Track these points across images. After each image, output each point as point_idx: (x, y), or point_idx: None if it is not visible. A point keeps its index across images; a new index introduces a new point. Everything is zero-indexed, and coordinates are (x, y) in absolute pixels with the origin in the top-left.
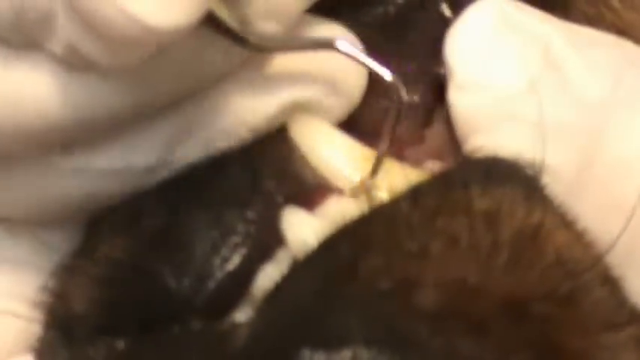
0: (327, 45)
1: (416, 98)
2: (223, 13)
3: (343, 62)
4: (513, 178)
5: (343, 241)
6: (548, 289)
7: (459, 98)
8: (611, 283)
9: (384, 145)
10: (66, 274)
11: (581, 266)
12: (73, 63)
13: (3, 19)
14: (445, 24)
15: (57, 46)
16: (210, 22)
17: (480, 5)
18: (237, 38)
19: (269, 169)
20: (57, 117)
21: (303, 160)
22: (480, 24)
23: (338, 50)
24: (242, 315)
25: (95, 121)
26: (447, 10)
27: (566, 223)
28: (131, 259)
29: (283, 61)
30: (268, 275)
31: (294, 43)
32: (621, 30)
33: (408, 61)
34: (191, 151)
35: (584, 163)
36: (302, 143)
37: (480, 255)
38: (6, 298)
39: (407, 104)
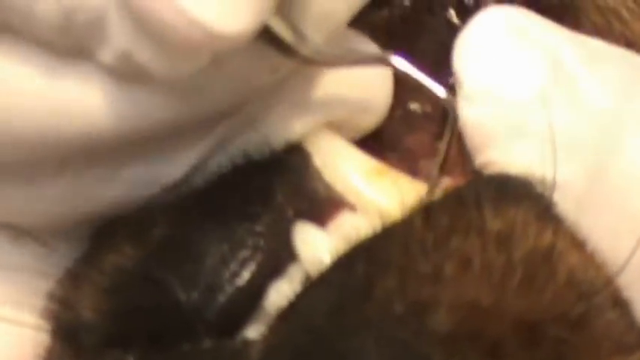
0: (381, 60)
1: (427, 108)
2: (277, 25)
3: (374, 79)
4: (525, 197)
5: (358, 260)
6: (560, 311)
7: (468, 110)
8: (621, 306)
9: (437, 165)
10: (73, 281)
11: (592, 288)
12: (124, 73)
13: (51, 22)
14: (453, 31)
15: (108, 54)
16: (264, 33)
17: (488, 13)
18: (289, 50)
19: (281, 181)
20: (103, 129)
21: (316, 173)
22: (489, 33)
23: (392, 66)
24: (253, 331)
25: (140, 134)
26: (454, 17)
27: (578, 243)
28: (140, 269)
29: (320, 78)
30: (280, 291)
31: (348, 57)
32: (630, 41)
33: (418, 68)
34: (222, 164)
35: (595, 178)
36: (316, 157)
37: (493, 277)
38: (11, 306)
39: (422, 115)
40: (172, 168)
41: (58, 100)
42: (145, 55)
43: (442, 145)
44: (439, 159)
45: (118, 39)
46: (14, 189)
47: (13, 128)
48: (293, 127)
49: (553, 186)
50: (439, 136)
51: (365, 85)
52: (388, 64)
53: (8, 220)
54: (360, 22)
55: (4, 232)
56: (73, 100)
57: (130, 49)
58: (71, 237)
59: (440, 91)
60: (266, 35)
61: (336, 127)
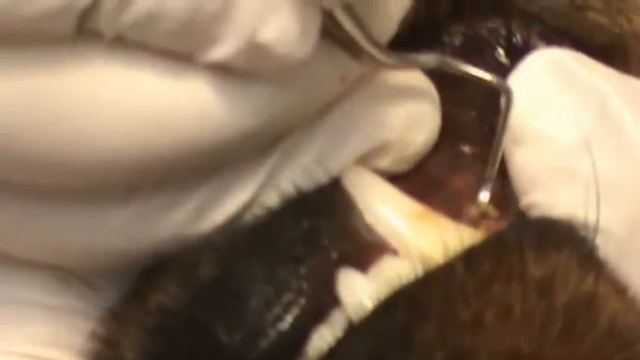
0: (442, 62)
1: (476, 150)
2: (351, 28)
3: (418, 109)
4: (567, 242)
5: (398, 307)
6: (603, 358)
7: (516, 150)
8: None
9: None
10: (116, 321)
11: (634, 335)
12: (247, 61)
13: (176, 20)
14: (502, 70)
15: (236, 40)
16: (339, 37)
17: (536, 56)
18: (362, 52)
19: (326, 223)
20: (207, 134)
21: (359, 216)
22: (537, 76)
23: (452, 66)
24: None
25: (236, 140)
26: (503, 56)
27: (619, 289)
28: (185, 311)
29: (363, 106)
30: (322, 337)
31: (413, 60)
32: None
33: (467, 110)
34: (285, 183)
35: (638, 224)
36: (359, 199)
37: (534, 324)
38: (52, 347)
39: (471, 156)
40: (231, 197)
41: (170, 108)
42: (271, 31)
43: (497, 139)
44: (493, 155)
45: (246, 21)
46: (76, 222)
47: (109, 145)
48: (339, 157)
49: (595, 231)
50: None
51: (408, 112)
52: (448, 65)
53: (61, 263)
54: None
55: (50, 273)
56: (183, 106)
57: (256, 29)
58: (114, 277)
59: (496, 78)
60: (342, 39)
61: (380, 157)
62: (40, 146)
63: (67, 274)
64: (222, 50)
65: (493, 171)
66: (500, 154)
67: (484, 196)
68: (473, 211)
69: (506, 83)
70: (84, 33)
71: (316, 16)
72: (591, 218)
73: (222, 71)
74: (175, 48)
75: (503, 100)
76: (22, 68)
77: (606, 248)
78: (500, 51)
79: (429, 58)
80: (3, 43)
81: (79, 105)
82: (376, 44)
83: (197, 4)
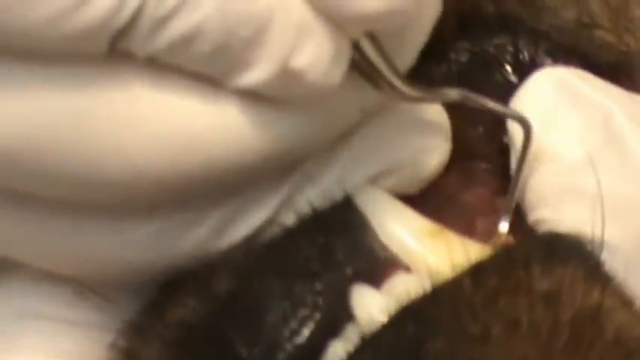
0: (461, 95)
1: (488, 164)
2: (378, 61)
3: (429, 129)
4: (573, 256)
5: (409, 322)
6: None
7: (524, 168)
8: None
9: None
10: (137, 332)
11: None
12: (277, 88)
13: (211, 43)
14: (509, 88)
15: (268, 66)
16: (366, 70)
17: (543, 74)
18: (386, 85)
19: (341, 241)
20: (231, 157)
21: (373, 233)
22: (543, 93)
23: (469, 99)
24: None
25: (262, 162)
26: (510, 74)
27: (625, 302)
28: (204, 324)
29: (377, 129)
30: (337, 351)
31: (432, 93)
32: None
33: (475, 126)
34: (302, 205)
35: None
36: (372, 217)
37: (541, 337)
38: (72, 358)
39: (483, 171)
40: (252, 215)
41: (197, 130)
42: (303, 58)
43: (516, 177)
44: (512, 191)
45: (279, 47)
46: (98, 236)
47: (135, 164)
48: (355, 179)
49: (601, 246)
50: (498, 193)
51: (420, 135)
52: (471, 100)
53: (81, 275)
54: (419, 76)
55: (68, 287)
56: (210, 129)
57: (289, 56)
58: (132, 290)
59: (519, 114)
60: (366, 71)
61: (394, 179)
62: (68, 162)
63: (84, 287)
64: (254, 76)
65: (512, 202)
66: (517, 186)
67: (504, 227)
68: (496, 241)
69: (526, 117)
70: (117, 53)
71: (346, 45)
72: (597, 234)
73: (251, 96)
74: (207, 72)
75: (519, 131)
76: (54, 86)
77: (612, 263)
78: (508, 68)
79: (453, 93)
80: (38, 61)
81: (108, 123)
82: (399, 76)
83: (231, 29)
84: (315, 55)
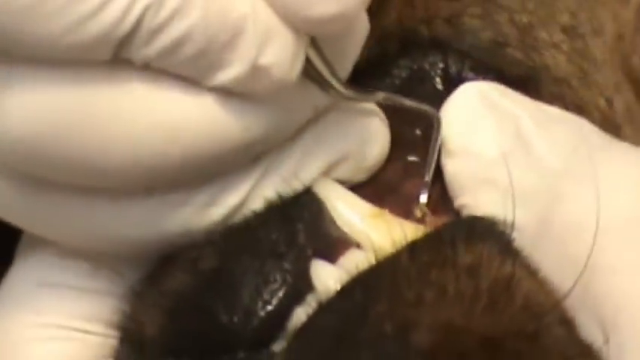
0: (391, 98)
1: (423, 159)
2: (323, 69)
3: (373, 128)
4: (489, 235)
5: (357, 290)
6: (517, 329)
7: (449, 163)
8: (566, 323)
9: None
10: (138, 299)
11: (543, 309)
12: (246, 84)
13: (193, 49)
14: (440, 98)
15: (241, 64)
16: (315, 77)
17: (467, 87)
18: (332, 89)
19: (301, 225)
20: (209, 146)
21: (328, 218)
22: (466, 103)
23: (398, 101)
24: (278, 346)
25: (231, 152)
26: (440, 85)
27: (532, 272)
28: (193, 295)
29: (329, 127)
30: (300, 316)
31: (369, 95)
32: (579, 106)
33: (414, 128)
34: (269, 190)
35: (544, 222)
36: (327, 204)
37: (464, 302)
38: (81, 320)
39: (419, 164)
40: (227, 198)
41: (182, 124)
42: (269, 57)
43: (430, 166)
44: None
45: (250, 48)
46: (106, 215)
47: (133, 152)
48: (310, 169)
49: (512, 226)
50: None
51: (365, 131)
52: (391, 99)
53: (96, 248)
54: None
55: (85, 262)
56: (193, 123)
57: (257, 55)
58: (135, 264)
59: (428, 108)
60: (315, 78)
61: (343, 170)
62: (78, 150)
63: (98, 261)
64: (230, 73)
65: (428, 179)
66: (433, 166)
67: (423, 199)
68: (417, 212)
69: (436, 111)
70: (118, 60)
71: (302, 46)
72: (509, 217)
73: (226, 94)
74: (189, 73)
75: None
76: (66, 87)
77: (521, 240)
78: (439, 81)
79: (379, 95)
80: (53, 66)
81: (110, 119)
82: (339, 79)
83: (212, 36)
84: (279, 53)
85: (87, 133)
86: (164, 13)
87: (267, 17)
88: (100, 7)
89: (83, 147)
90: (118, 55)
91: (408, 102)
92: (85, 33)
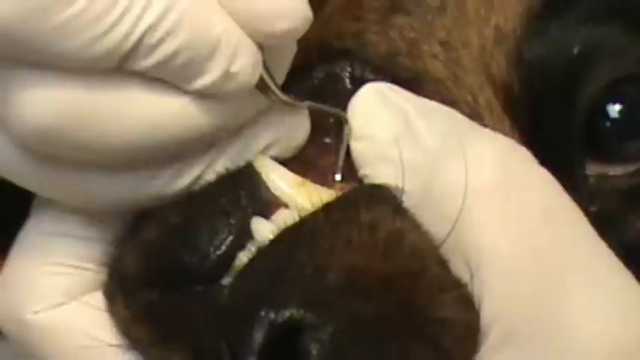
0: (313, 105)
1: (336, 141)
2: (267, 78)
3: (298, 119)
4: (385, 199)
5: (285, 240)
6: (406, 269)
7: (354, 144)
8: (442, 264)
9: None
10: (122, 245)
11: (425, 254)
12: (216, 88)
13: (179, 60)
14: (349, 95)
15: (216, 72)
16: (261, 84)
17: (368, 87)
18: (274, 94)
19: (244, 192)
20: (177, 134)
21: (264, 185)
22: (368, 99)
23: (318, 107)
24: (226, 281)
25: (192, 138)
26: (349, 84)
27: (416, 226)
28: (163, 242)
29: (266, 118)
30: (242, 258)
31: (299, 101)
32: (452, 101)
33: (328, 118)
34: (221, 166)
35: (426, 189)
36: (263, 174)
37: (366, 250)
38: (76, 259)
39: (333, 145)
40: (190, 170)
41: (158, 116)
42: (237, 65)
43: (341, 148)
44: (339, 161)
45: (223, 59)
46: (98, 181)
47: (128, 138)
48: (251, 148)
49: (402, 192)
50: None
51: (292, 122)
52: (311, 105)
53: (89, 205)
54: (293, 88)
55: (85, 215)
56: (171, 115)
57: (230, 64)
58: (122, 218)
59: (339, 111)
60: (262, 88)
61: (276, 149)
62: (86, 134)
63: (93, 217)
64: (206, 79)
65: (340, 163)
66: (343, 154)
67: (338, 177)
68: (335, 186)
69: (344, 113)
70: (120, 68)
71: (260, 58)
72: (399, 185)
73: (198, 96)
74: (175, 80)
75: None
76: (80, 88)
77: (408, 203)
78: (347, 82)
79: (305, 102)
80: (64, 71)
81: (111, 112)
82: (278, 87)
83: (195, 50)
84: (245, 63)
85: (90, 126)
86: (159, 34)
87: (237, 35)
88: (110, 28)
89: (86, 136)
90: (121, 66)
91: (323, 107)
92: (99, 48)
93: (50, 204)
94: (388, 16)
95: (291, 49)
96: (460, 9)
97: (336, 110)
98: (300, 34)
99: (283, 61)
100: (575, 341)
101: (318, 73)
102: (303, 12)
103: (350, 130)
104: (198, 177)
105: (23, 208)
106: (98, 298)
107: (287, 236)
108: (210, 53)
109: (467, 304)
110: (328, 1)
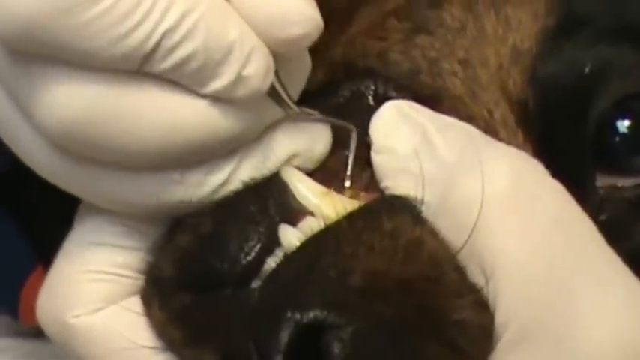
0: (328, 120)
1: (357, 155)
2: (282, 91)
3: (320, 132)
4: (405, 209)
5: (310, 246)
6: (425, 274)
7: (376, 157)
8: (459, 269)
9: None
10: (158, 251)
11: (443, 260)
12: (231, 92)
13: (196, 62)
14: (371, 111)
15: (229, 75)
16: (275, 97)
17: (390, 104)
18: (288, 107)
19: (272, 201)
20: (198, 138)
21: (290, 194)
22: (389, 115)
23: (334, 121)
24: (255, 285)
25: (214, 143)
26: (372, 101)
27: (434, 234)
28: (195, 249)
29: (292, 129)
30: (270, 264)
31: (314, 115)
32: (470, 117)
33: (349, 134)
34: (244, 175)
35: (444, 199)
36: (289, 184)
37: (387, 256)
38: (123, 268)
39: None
40: (215, 176)
41: (175, 119)
42: (250, 69)
43: (349, 157)
44: (348, 168)
45: (236, 63)
46: (122, 183)
47: (146, 138)
48: (273, 159)
49: (421, 203)
50: (363, 171)
51: (312, 134)
52: (324, 118)
53: (115, 205)
54: (318, 105)
55: (123, 226)
56: (191, 120)
57: (242, 67)
58: (156, 226)
59: (347, 124)
60: (276, 98)
61: (300, 160)
62: (109, 136)
63: (131, 227)
64: (220, 82)
65: (349, 170)
66: (351, 164)
67: (347, 184)
68: (346, 193)
69: (351, 124)
70: (140, 72)
71: (272, 65)
72: (419, 196)
73: (214, 100)
74: (190, 83)
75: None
76: (99, 88)
77: (427, 213)
78: (371, 99)
79: (316, 115)
80: (89, 71)
81: (131, 114)
82: (292, 100)
83: (210, 55)
84: (257, 67)
85: (112, 124)
86: (176, 38)
87: (251, 39)
88: (132, 30)
89: (108, 134)
90: (141, 68)
91: (336, 120)
92: (121, 48)
93: (91, 215)
94: (411, 36)
95: (306, 66)
96: (479, 29)
97: (343, 122)
98: (312, 40)
99: (298, 76)
100: (586, 343)
101: (343, 91)
102: (315, 19)
103: (356, 139)
104: (223, 184)
105: (67, 220)
106: (136, 303)
107: (312, 242)
108: (224, 57)
109: (482, 307)
110: (353, 23)
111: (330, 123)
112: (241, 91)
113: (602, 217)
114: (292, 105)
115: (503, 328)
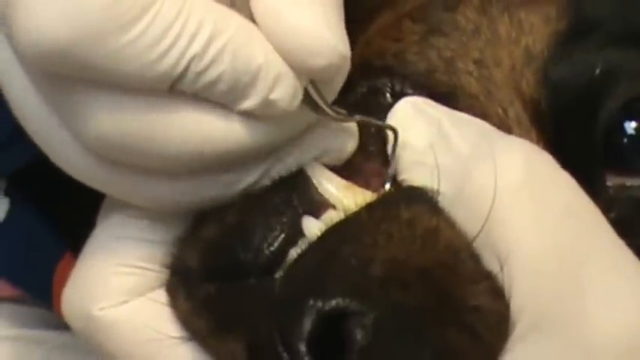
0: (358, 118)
1: (378, 149)
2: (316, 96)
3: (348, 131)
4: (422, 199)
5: (333, 236)
6: (442, 262)
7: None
8: (475, 257)
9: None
10: (183, 244)
11: (459, 248)
12: (260, 110)
13: (225, 84)
14: (388, 107)
15: (257, 98)
16: (310, 102)
17: (406, 100)
18: (322, 111)
19: (296, 193)
20: (230, 147)
21: (314, 188)
22: (405, 111)
23: (364, 120)
24: (279, 274)
25: (244, 152)
26: (389, 98)
27: (450, 224)
28: (221, 240)
29: (318, 131)
30: (293, 254)
31: (347, 117)
32: (484, 114)
33: (369, 129)
34: (277, 173)
35: (459, 190)
36: (313, 178)
37: (405, 244)
38: (147, 261)
39: (375, 153)
40: (246, 178)
41: (205, 134)
42: (277, 93)
43: (392, 159)
44: (389, 171)
45: (263, 87)
46: (161, 185)
47: (179, 153)
48: (305, 158)
49: (437, 193)
50: (382, 166)
51: (343, 134)
52: (360, 118)
53: (151, 204)
54: (338, 101)
55: (147, 220)
56: (222, 133)
57: (270, 91)
58: (181, 218)
59: (389, 124)
60: (312, 105)
61: (327, 158)
62: (145, 146)
63: (156, 220)
64: (249, 103)
65: (391, 172)
66: (395, 165)
67: (387, 187)
68: (378, 189)
69: (394, 126)
70: (173, 91)
71: (301, 86)
72: (435, 187)
73: (247, 115)
74: (221, 101)
75: (391, 134)
76: (134, 107)
77: (443, 203)
78: (388, 95)
79: (356, 116)
80: (124, 92)
81: (165, 129)
82: (328, 106)
83: (238, 77)
84: (284, 92)
85: (147, 140)
86: (205, 62)
87: (278, 65)
88: (161, 56)
89: (143, 148)
90: (173, 88)
91: (375, 121)
92: (152, 73)
93: (116, 211)
94: (427, 37)
95: (343, 72)
96: (493, 32)
97: (387, 124)
98: (337, 70)
99: (335, 82)
100: (596, 333)
101: (360, 87)
102: (339, 50)
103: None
104: (254, 184)
105: (93, 215)
106: (161, 295)
107: (334, 233)
108: (252, 80)
109: (498, 294)
110: (371, 25)
111: (370, 124)
112: (270, 112)
113: (612, 215)
114: (331, 112)
115: (517, 316)
